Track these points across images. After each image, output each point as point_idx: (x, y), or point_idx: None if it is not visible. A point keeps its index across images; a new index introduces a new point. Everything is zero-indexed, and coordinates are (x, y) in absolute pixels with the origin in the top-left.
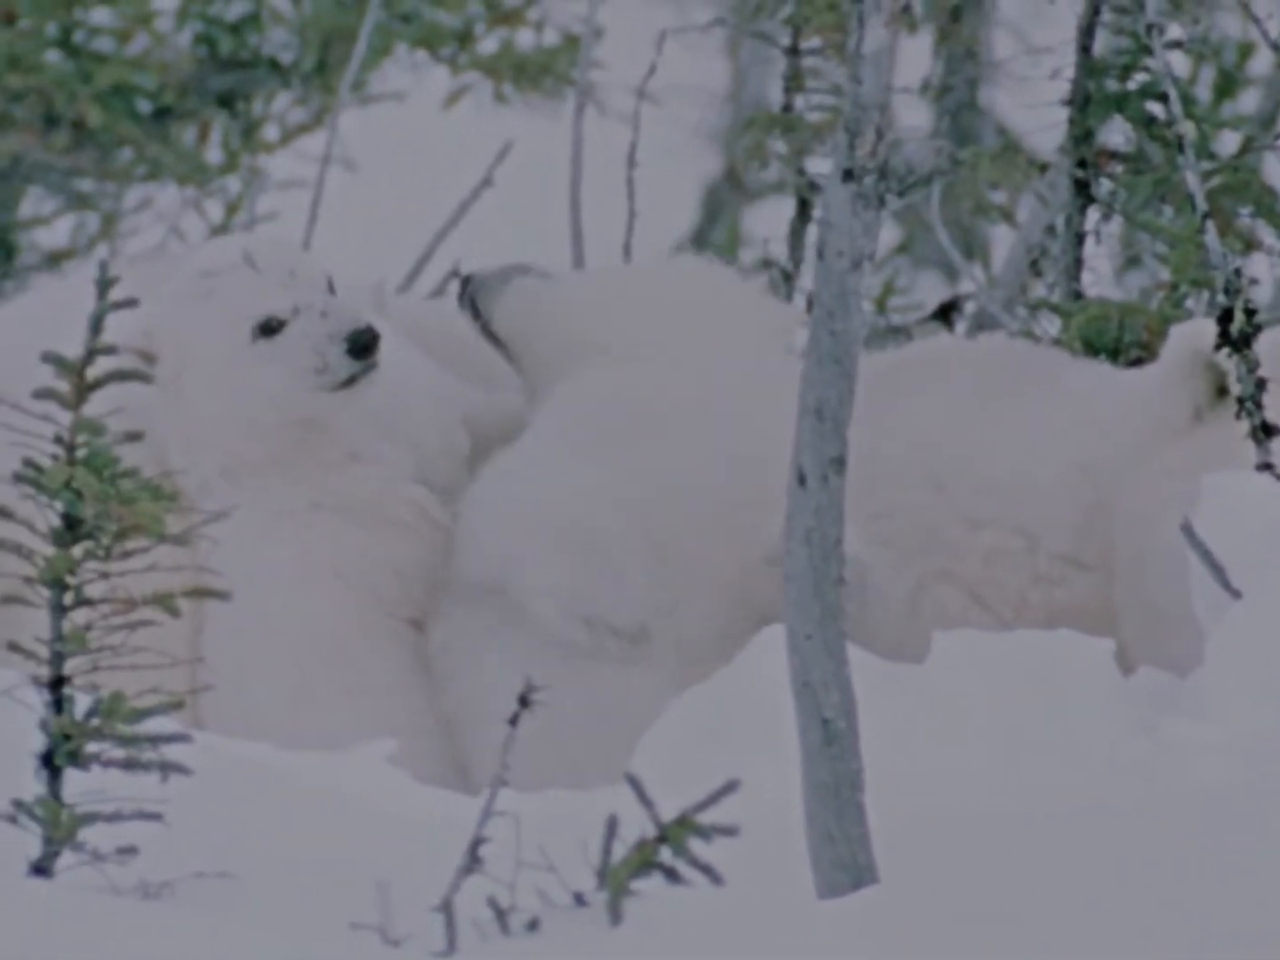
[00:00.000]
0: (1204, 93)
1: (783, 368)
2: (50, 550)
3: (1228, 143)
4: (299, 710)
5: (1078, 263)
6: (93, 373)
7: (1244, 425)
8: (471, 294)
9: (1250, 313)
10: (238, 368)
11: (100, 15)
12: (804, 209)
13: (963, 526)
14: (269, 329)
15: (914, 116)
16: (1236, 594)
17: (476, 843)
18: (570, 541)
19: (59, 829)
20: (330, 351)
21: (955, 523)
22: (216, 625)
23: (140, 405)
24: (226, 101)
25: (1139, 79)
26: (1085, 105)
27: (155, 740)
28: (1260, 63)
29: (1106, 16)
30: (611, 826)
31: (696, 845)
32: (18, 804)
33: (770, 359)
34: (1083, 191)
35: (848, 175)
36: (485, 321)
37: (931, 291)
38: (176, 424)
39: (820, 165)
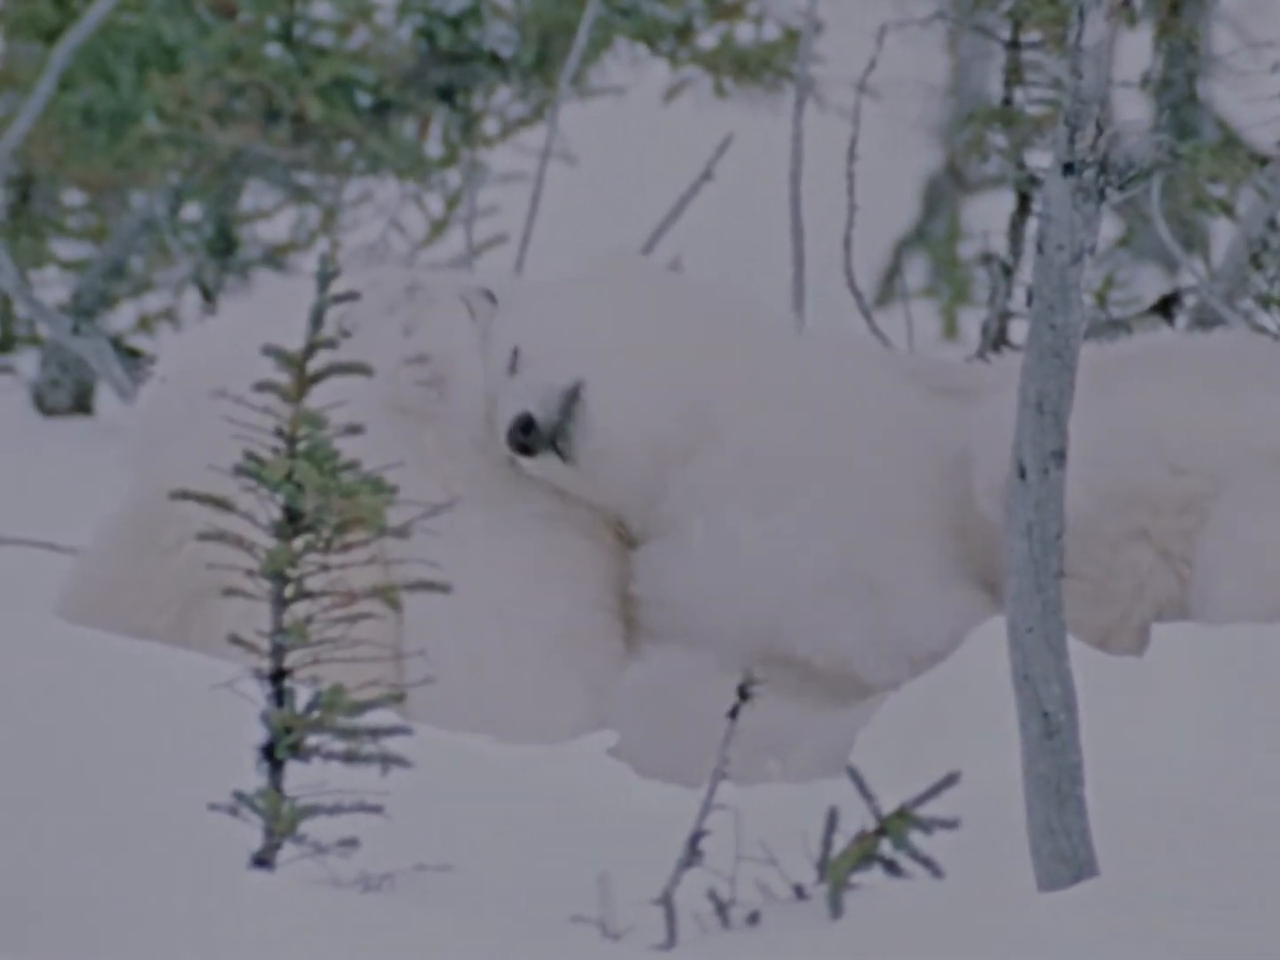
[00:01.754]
0: None
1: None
2: (271, 543)
3: None
4: (539, 704)
5: None
6: (314, 366)
7: None
8: (551, 438)
9: None
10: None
11: (321, 9)
12: (1024, 203)
13: (1167, 474)
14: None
15: (1134, 110)
16: None
17: (697, 836)
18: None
19: (280, 821)
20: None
21: (1161, 472)
22: (443, 618)
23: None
24: (446, 95)
25: None
26: None
27: (376, 733)
28: None
29: None
30: (832, 819)
31: (917, 838)
32: (239, 796)
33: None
34: None
35: (1068, 169)
36: (572, 457)
37: (1151, 285)
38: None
39: (1040, 159)
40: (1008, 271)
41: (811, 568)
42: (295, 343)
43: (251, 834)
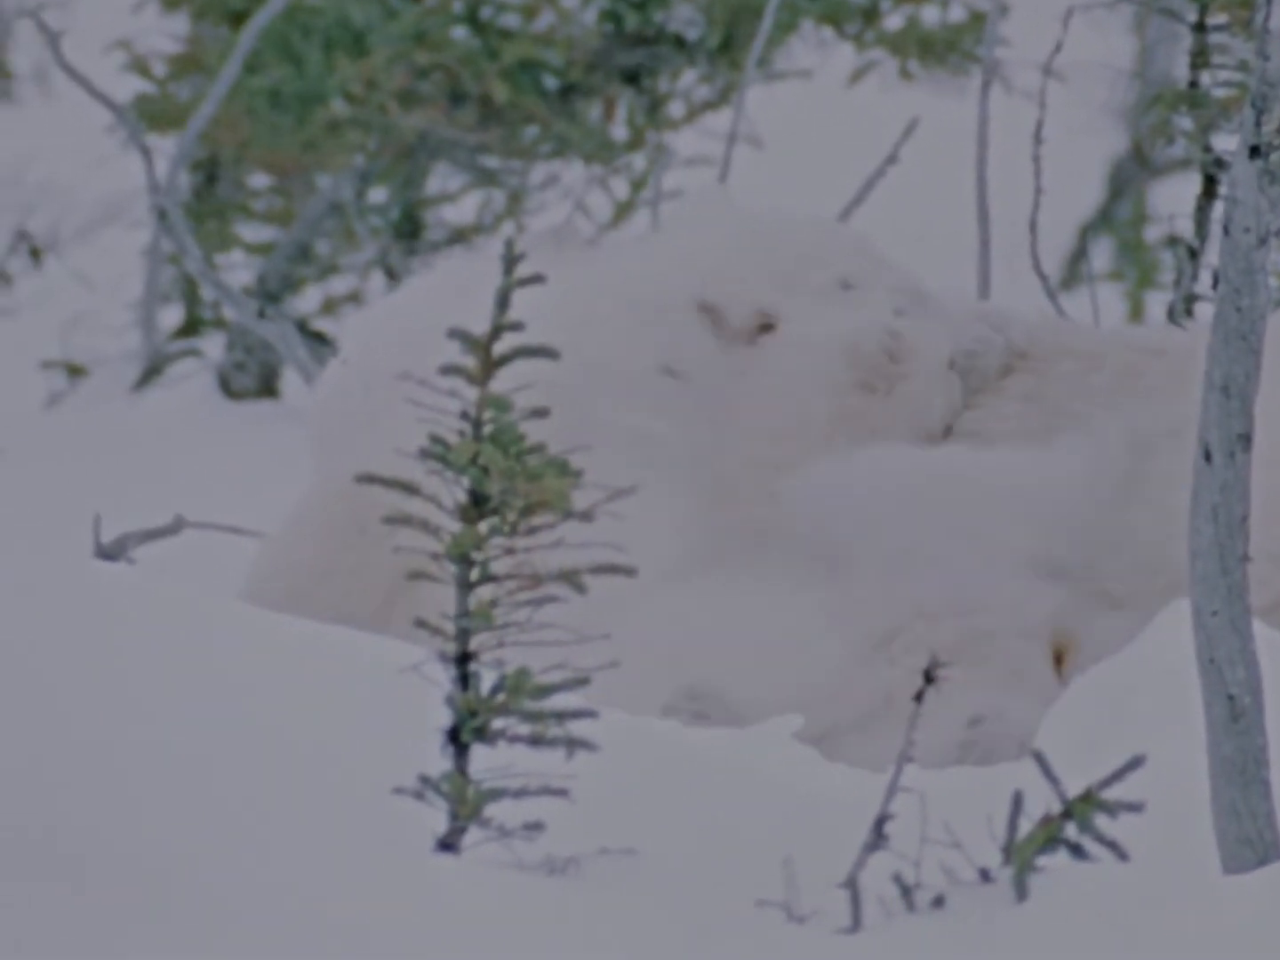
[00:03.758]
0: None
1: None
2: (456, 526)
3: None
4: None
5: None
6: (499, 348)
7: None
8: None
9: None
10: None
11: None
12: (1210, 185)
13: None
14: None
15: None
16: None
17: (882, 819)
18: None
19: (465, 805)
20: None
21: None
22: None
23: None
24: (632, 78)
25: None
26: None
27: (561, 716)
28: None
29: None
30: (1017, 803)
31: (1102, 821)
32: (425, 780)
33: None
34: None
35: (1254, 151)
36: None
37: None
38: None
39: (1226, 141)
40: (1193, 254)
41: None
42: (478, 324)
43: (437, 818)
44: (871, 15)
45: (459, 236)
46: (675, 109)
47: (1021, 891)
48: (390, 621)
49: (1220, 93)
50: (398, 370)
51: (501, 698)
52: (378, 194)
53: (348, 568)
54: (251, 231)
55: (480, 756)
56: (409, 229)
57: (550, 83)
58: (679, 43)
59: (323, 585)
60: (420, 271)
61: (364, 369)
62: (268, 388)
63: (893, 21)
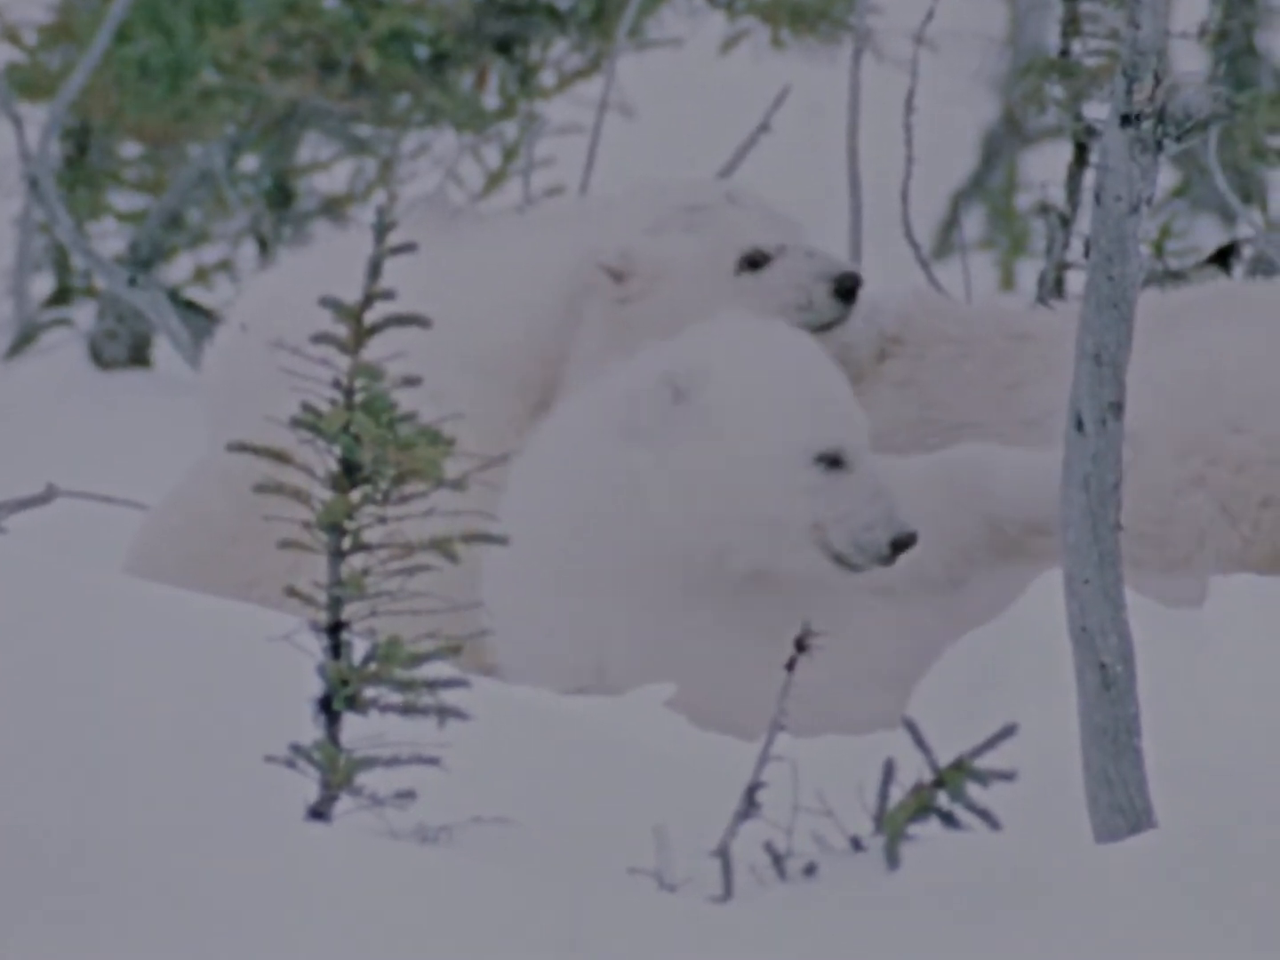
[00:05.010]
0: None
1: None
2: (328, 495)
3: None
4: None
5: None
6: (371, 317)
7: None
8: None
9: None
10: (716, 298)
11: None
12: (1081, 154)
13: (1225, 430)
14: (754, 263)
15: (1191, 61)
16: None
17: (754, 788)
18: None
19: (337, 774)
20: (815, 290)
21: (1219, 426)
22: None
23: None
24: (504, 47)
25: None
26: None
27: (432, 685)
28: None
29: None
30: (888, 771)
31: (973, 790)
32: (296, 749)
33: None
34: None
35: (1125, 120)
36: None
37: (1209, 236)
38: (594, 352)
39: (1098, 110)
40: (1065, 223)
41: None
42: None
43: (308, 786)
44: None
45: (330, 205)
46: (547, 78)
47: (893, 860)
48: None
49: (1092, 61)
50: (274, 338)
51: (373, 667)
52: (249, 162)
53: (255, 534)
54: (123, 200)
55: (352, 725)
56: (280, 198)
57: (422, 52)
58: (551, 11)
59: (228, 551)
60: (292, 240)
61: (257, 336)
62: (139, 357)
63: None
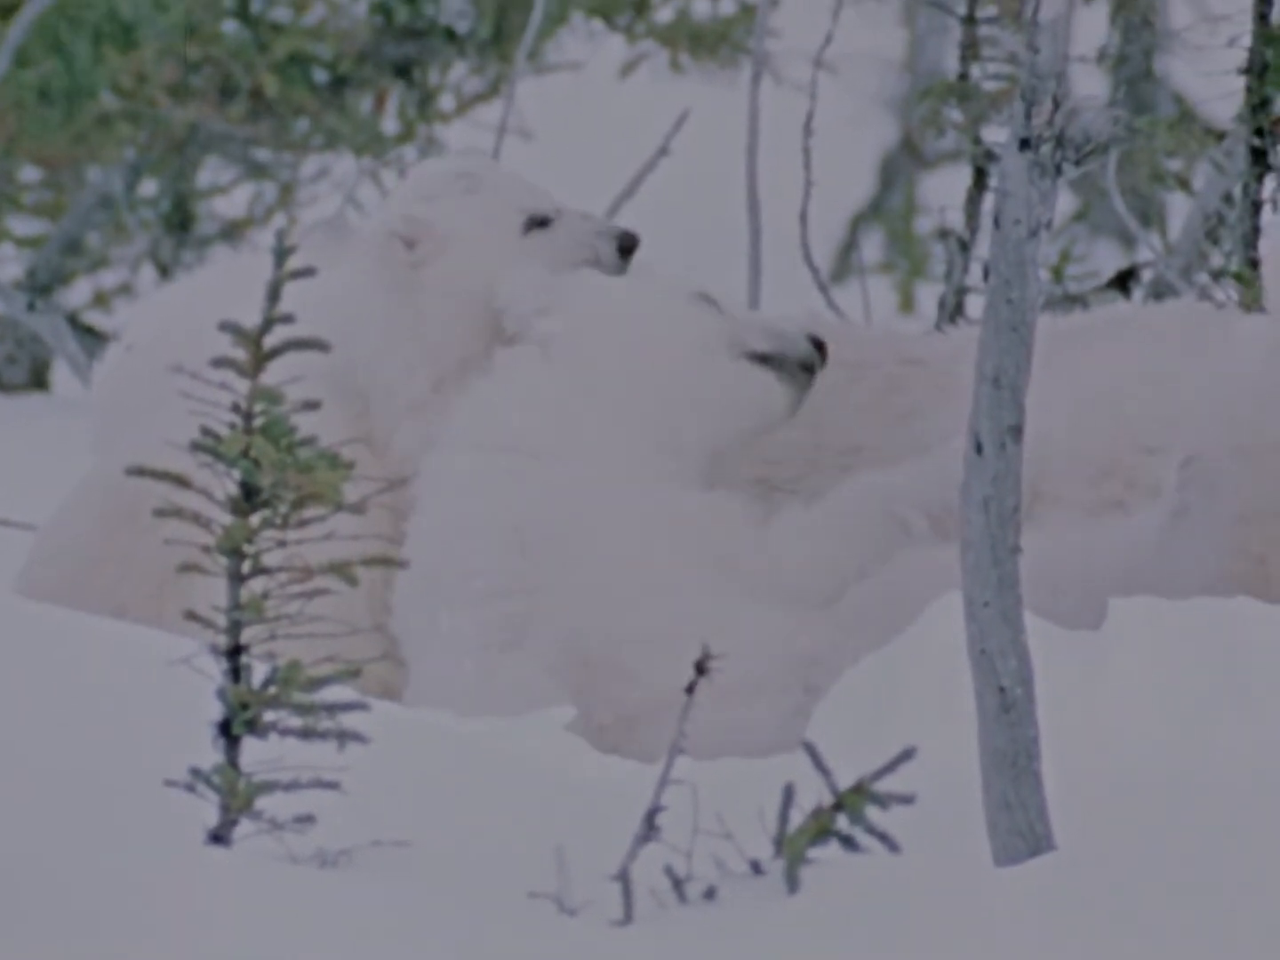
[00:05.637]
0: None
1: None
2: (228, 519)
3: None
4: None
5: (1255, 231)
6: (270, 341)
7: None
8: None
9: None
10: (507, 255)
11: None
12: (980, 177)
13: (1137, 452)
14: (541, 222)
15: (1091, 85)
16: None
17: (653, 811)
18: None
19: (237, 797)
20: (602, 246)
21: (1132, 449)
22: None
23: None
24: (403, 71)
25: None
26: (1263, 73)
27: (332, 708)
28: None
29: None
30: (788, 794)
31: (873, 813)
32: (195, 772)
33: None
34: (1260, 160)
35: (1024, 144)
36: None
37: (1108, 260)
38: (407, 322)
39: (997, 134)
40: (964, 246)
41: None
42: (251, 318)
43: (208, 810)
44: (642, 7)
45: (230, 229)
46: (446, 101)
47: (793, 883)
48: (162, 613)
49: (990, 85)
50: (181, 361)
51: (273, 690)
52: (148, 187)
53: (120, 557)
54: (21, 224)
55: (252, 749)
56: (180, 221)
57: (321, 76)
58: (449, 35)
59: (95, 574)
60: (191, 264)
61: (148, 358)
62: (38, 380)
63: (663, 14)
